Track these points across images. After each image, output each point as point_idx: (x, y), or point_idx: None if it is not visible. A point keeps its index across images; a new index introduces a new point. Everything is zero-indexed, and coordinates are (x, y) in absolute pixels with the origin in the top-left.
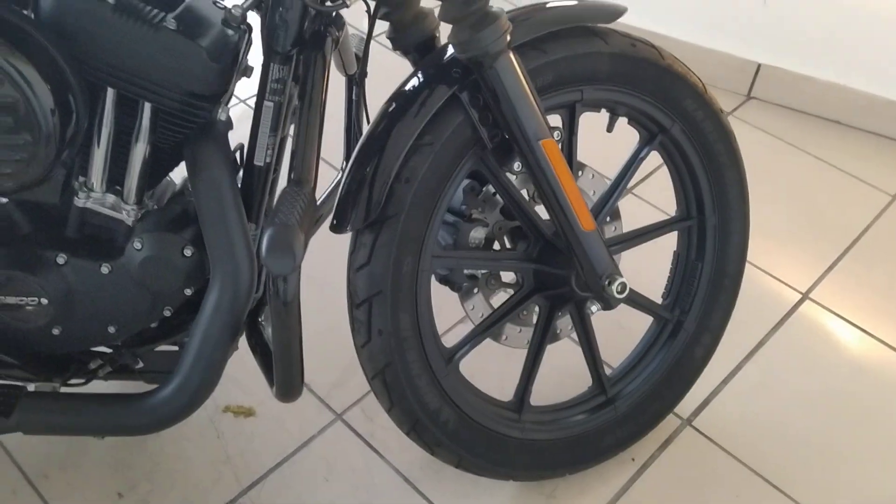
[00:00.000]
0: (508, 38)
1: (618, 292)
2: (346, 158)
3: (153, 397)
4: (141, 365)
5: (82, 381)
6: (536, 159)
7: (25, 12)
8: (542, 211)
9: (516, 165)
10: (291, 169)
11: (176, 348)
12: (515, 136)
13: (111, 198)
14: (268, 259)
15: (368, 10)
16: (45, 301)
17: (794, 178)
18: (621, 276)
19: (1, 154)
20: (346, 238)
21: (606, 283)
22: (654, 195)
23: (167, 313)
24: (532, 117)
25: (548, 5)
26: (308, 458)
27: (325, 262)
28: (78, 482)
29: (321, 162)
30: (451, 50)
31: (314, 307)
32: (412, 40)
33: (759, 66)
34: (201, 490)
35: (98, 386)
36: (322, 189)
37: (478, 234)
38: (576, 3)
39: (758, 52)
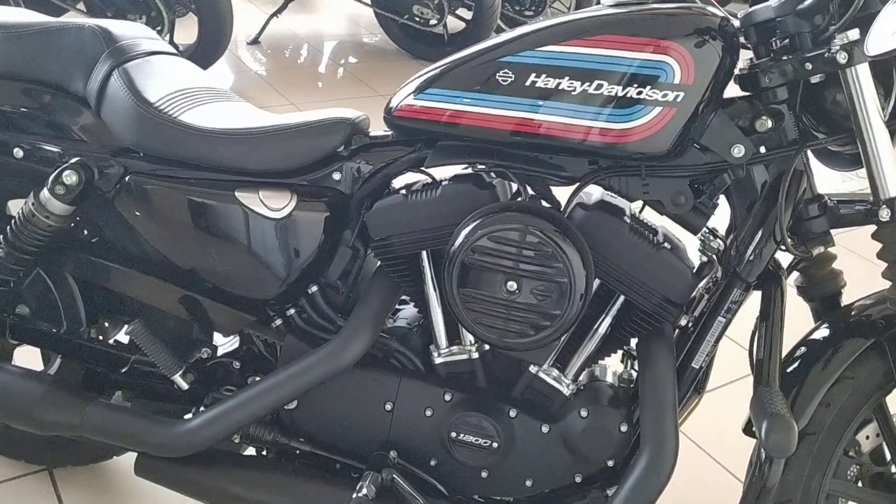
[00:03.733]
0: None
1: None
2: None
3: None
4: None
5: None
6: None
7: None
8: None
9: None
10: (759, 371)
11: None
12: None
13: (555, 371)
14: (768, 441)
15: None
16: (495, 445)
17: None
18: None
19: (529, 318)
20: None
21: None
22: None
23: (577, 479)
24: None
25: None
26: None
27: None
28: None
29: None
30: (870, 302)
31: None
32: (819, 292)
33: None
34: None
35: None
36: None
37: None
38: None
39: None
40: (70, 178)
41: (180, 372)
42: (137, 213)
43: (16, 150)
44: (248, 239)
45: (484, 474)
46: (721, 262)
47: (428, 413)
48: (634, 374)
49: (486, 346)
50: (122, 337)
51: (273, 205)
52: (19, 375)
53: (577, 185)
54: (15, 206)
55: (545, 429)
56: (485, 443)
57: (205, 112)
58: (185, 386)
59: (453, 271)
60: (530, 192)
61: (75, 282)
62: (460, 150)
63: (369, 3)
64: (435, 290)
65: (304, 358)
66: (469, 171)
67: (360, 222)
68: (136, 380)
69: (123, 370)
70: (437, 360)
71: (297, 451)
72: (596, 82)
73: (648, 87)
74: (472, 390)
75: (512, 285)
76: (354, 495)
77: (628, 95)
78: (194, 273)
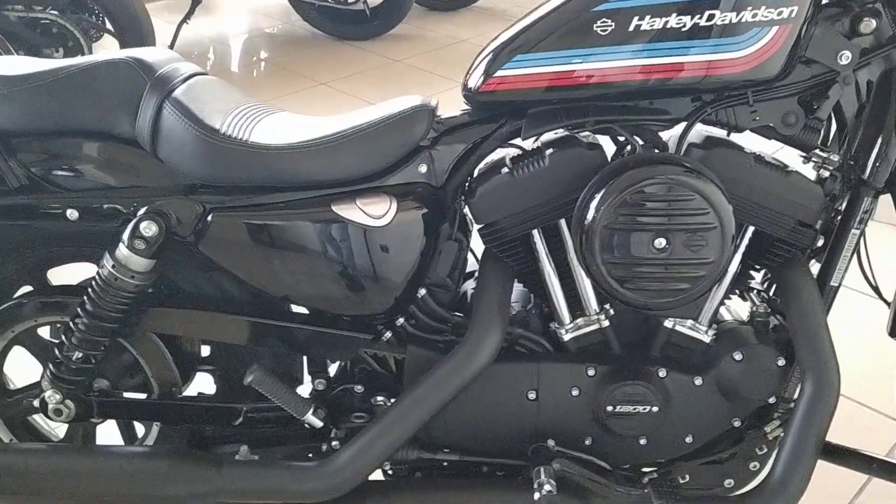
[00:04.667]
0: None
1: None
2: None
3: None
4: (687, 479)
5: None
6: None
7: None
8: None
9: None
10: None
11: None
12: None
13: (688, 321)
14: None
15: None
16: (654, 409)
17: None
18: None
19: (684, 271)
20: None
21: None
22: None
23: (736, 423)
24: None
25: None
26: None
27: None
28: None
29: None
30: None
31: None
32: None
33: None
34: None
35: None
36: None
37: None
38: None
39: None
40: (149, 229)
41: (311, 410)
42: (227, 252)
43: (69, 212)
44: (354, 253)
45: (643, 441)
46: (842, 175)
47: (574, 393)
48: (763, 309)
49: (612, 312)
50: (194, 389)
51: (374, 212)
52: (135, 456)
53: (686, 125)
54: (54, 275)
55: (698, 381)
56: (643, 409)
57: (267, 129)
58: (318, 424)
59: (594, 241)
60: (639, 142)
61: (161, 339)
62: (555, 114)
63: None
64: (551, 265)
65: (439, 366)
66: (563, 134)
67: (457, 212)
68: (249, 430)
69: (236, 423)
70: (567, 337)
71: (445, 463)
72: (707, 13)
73: (763, 7)
74: (613, 359)
75: (660, 242)
76: (537, 495)
77: (743, 21)
78: (300, 302)
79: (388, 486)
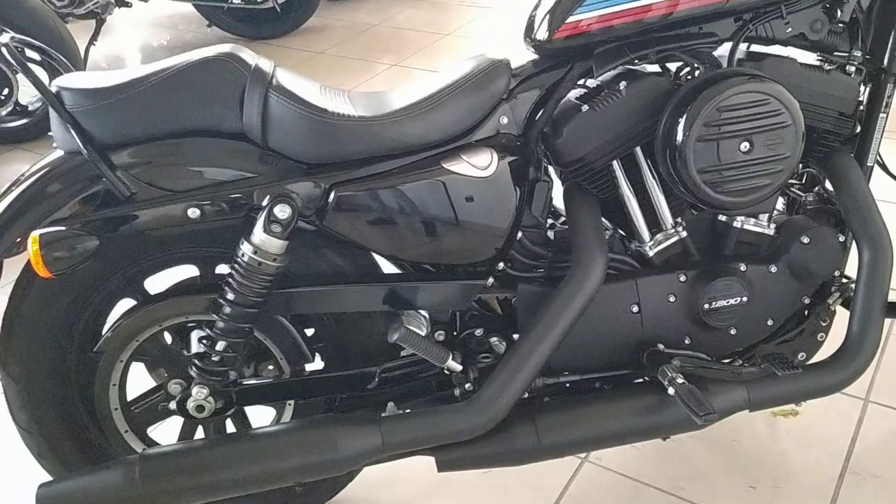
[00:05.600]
0: None
1: None
2: None
3: (832, 366)
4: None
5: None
6: None
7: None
8: None
9: None
10: None
11: None
12: None
13: (751, 219)
14: None
15: None
16: (745, 299)
17: None
18: None
19: (767, 168)
20: None
21: None
22: None
23: (805, 301)
24: None
25: None
26: None
27: None
28: (710, 484)
29: None
30: None
31: None
32: None
33: None
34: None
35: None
36: None
37: None
38: None
39: None
40: (283, 211)
41: (451, 357)
42: (350, 224)
43: (190, 210)
44: (467, 205)
45: (732, 332)
46: (866, 68)
47: (671, 299)
48: (813, 197)
49: (684, 223)
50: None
51: (479, 163)
52: (302, 428)
53: (734, 43)
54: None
55: (773, 269)
56: (735, 301)
57: (359, 103)
58: (458, 368)
59: (688, 156)
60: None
61: (289, 321)
62: (621, 50)
63: None
64: (630, 190)
65: (555, 298)
66: (624, 69)
67: (540, 154)
68: (382, 390)
69: (370, 386)
70: (651, 253)
71: (567, 385)
72: None
73: None
74: (697, 264)
75: (745, 146)
76: (672, 390)
77: None
78: (421, 259)
79: (532, 411)
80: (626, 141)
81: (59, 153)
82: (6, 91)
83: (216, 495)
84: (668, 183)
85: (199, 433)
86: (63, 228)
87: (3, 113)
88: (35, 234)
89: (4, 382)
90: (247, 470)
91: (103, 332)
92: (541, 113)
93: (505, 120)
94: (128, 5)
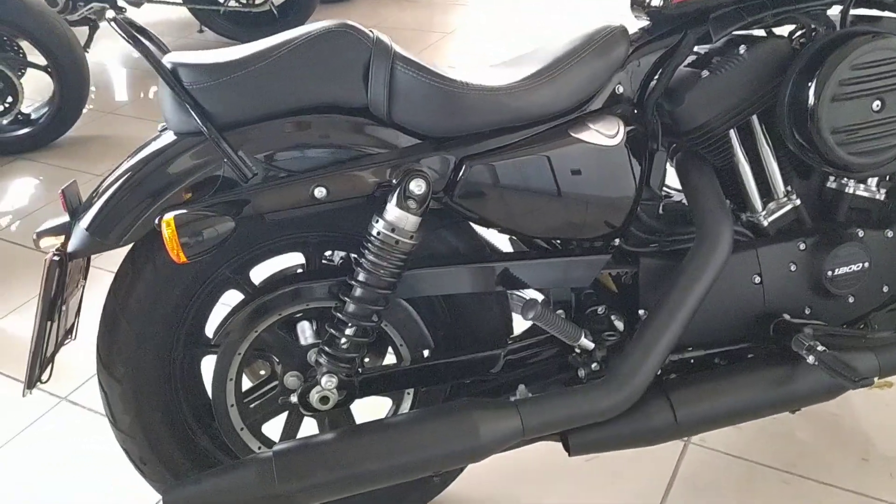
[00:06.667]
0: None
1: None
2: None
3: None
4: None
5: None
6: None
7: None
8: None
9: None
10: None
11: None
12: None
13: (861, 185)
14: None
15: None
16: (866, 265)
17: None
18: None
19: None
20: None
21: None
22: None
23: None
24: None
25: None
26: None
27: None
28: (822, 460)
29: None
30: None
31: None
32: None
33: None
34: None
35: None
36: None
37: None
38: None
39: None
40: (419, 187)
41: (583, 335)
42: (480, 199)
43: (316, 190)
44: (597, 175)
45: (851, 299)
46: None
47: (793, 268)
48: None
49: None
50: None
51: (607, 132)
52: (439, 415)
53: (847, 4)
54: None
55: (890, 233)
56: (857, 267)
57: (479, 74)
58: (590, 345)
59: (821, 117)
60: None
61: (411, 304)
62: (738, 14)
63: (181, 2)
64: (744, 156)
65: (683, 271)
66: (738, 34)
67: (658, 122)
68: (507, 374)
69: (494, 369)
70: (766, 222)
71: (692, 361)
72: None
73: None
74: (814, 231)
75: (877, 104)
76: (811, 358)
77: None
78: (548, 234)
79: (664, 388)
80: (748, 106)
81: (167, 136)
82: (10, 99)
83: (355, 489)
84: (793, 147)
85: (301, 431)
86: (197, 210)
87: (6, 122)
88: (168, 216)
89: (107, 386)
90: (388, 461)
91: (213, 324)
92: (656, 80)
93: (621, 88)
94: (121, 11)
